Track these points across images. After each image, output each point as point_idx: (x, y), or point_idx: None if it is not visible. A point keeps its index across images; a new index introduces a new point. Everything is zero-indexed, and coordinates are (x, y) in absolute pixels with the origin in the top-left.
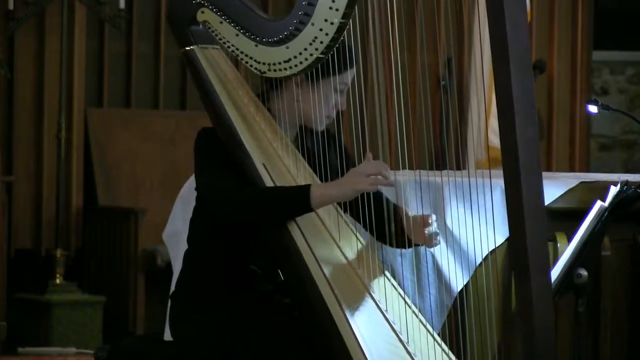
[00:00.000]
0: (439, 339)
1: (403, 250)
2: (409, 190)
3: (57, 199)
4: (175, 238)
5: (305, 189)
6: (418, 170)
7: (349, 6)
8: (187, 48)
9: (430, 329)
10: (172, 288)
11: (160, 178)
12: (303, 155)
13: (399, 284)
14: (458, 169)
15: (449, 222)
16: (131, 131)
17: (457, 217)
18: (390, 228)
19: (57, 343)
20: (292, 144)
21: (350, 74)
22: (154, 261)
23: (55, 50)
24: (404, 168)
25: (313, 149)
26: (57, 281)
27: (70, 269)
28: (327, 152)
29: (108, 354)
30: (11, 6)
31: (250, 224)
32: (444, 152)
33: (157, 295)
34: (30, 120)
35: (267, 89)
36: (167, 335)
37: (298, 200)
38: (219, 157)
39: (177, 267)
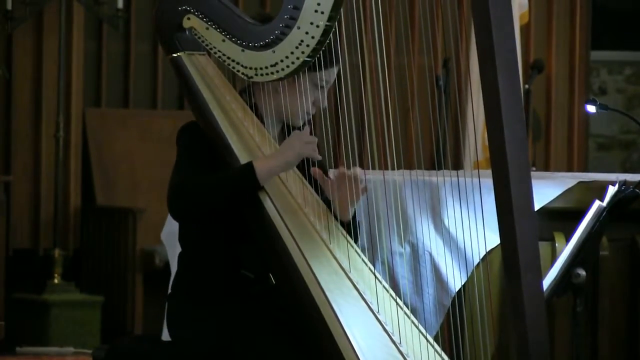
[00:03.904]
0: (431, 339)
1: (400, 249)
2: (405, 190)
3: (55, 198)
4: (173, 238)
5: (249, 167)
6: (415, 170)
7: (335, 9)
8: (174, 55)
9: (423, 330)
10: (170, 289)
11: (159, 178)
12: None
13: (397, 284)
14: (455, 169)
15: (446, 222)
16: (129, 131)
17: (455, 217)
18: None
19: (55, 343)
20: (278, 140)
21: (333, 72)
22: (152, 261)
23: (53, 50)
24: (400, 168)
25: None
26: (55, 281)
27: (68, 269)
28: None
29: (106, 354)
30: (9, 6)
31: (205, 214)
32: (440, 152)
33: (155, 295)
34: (29, 120)
35: (251, 84)
36: (165, 335)
37: (245, 180)
38: (191, 154)
39: (174, 267)
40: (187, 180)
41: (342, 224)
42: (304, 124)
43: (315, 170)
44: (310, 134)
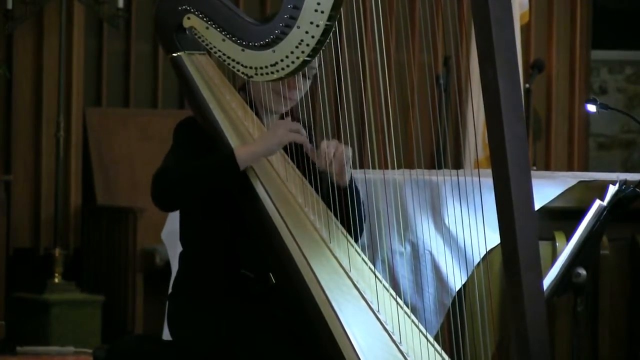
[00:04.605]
0: (431, 338)
1: (401, 248)
2: (406, 189)
3: (55, 198)
4: (173, 237)
5: (229, 152)
6: (415, 169)
7: (335, 8)
8: (174, 54)
9: (423, 329)
10: (171, 288)
11: None
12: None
13: (397, 283)
14: (455, 168)
15: (446, 221)
16: (130, 130)
17: (455, 216)
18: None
19: (55, 342)
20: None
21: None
22: (152, 260)
23: (54, 50)
24: (401, 167)
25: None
26: (56, 280)
27: (68, 268)
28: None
29: (106, 354)
30: (10, 5)
31: (187, 200)
32: (440, 151)
33: (156, 294)
34: (29, 119)
35: (249, 82)
36: (166, 335)
37: (225, 164)
38: (182, 148)
39: (175, 266)
40: (169, 168)
41: (339, 189)
42: (296, 116)
43: (307, 147)
44: (290, 118)
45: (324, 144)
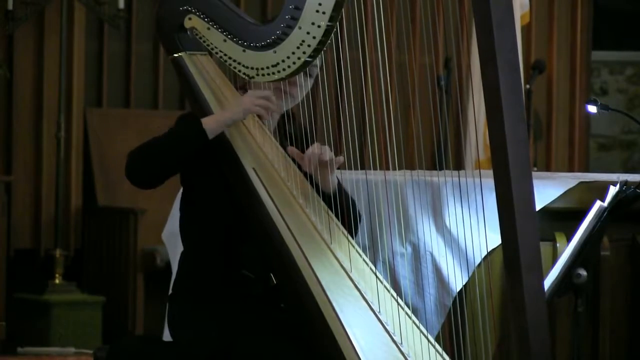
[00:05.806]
0: (432, 339)
1: (402, 249)
2: (407, 190)
3: (56, 198)
4: (174, 238)
5: (196, 119)
6: (416, 170)
7: (336, 9)
8: (175, 55)
9: (424, 330)
10: (171, 289)
11: None
12: (285, 139)
13: (398, 284)
14: (456, 169)
15: (447, 222)
16: (130, 131)
17: (456, 217)
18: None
19: (56, 343)
20: (277, 130)
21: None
22: (153, 261)
23: (54, 50)
24: (402, 168)
25: (294, 133)
26: (57, 281)
27: (69, 269)
28: (306, 137)
29: (107, 354)
30: (10, 6)
31: (159, 173)
32: (442, 152)
33: (157, 295)
34: (30, 120)
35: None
36: (166, 336)
37: (193, 133)
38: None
39: (175, 267)
40: (141, 144)
41: (324, 195)
42: (293, 118)
43: (292, 150)
44: (291, 119)
45: (312, 147)
